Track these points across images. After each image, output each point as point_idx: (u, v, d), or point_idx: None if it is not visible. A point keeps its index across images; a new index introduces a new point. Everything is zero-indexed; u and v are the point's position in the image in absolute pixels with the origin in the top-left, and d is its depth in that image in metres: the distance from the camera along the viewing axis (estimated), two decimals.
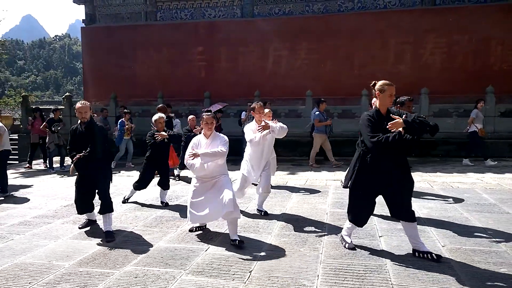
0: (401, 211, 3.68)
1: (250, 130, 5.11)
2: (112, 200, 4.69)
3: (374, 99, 6.26)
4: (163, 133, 5.82)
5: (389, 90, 3.58)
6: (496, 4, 11.96)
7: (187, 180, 7.95)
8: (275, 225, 4.88)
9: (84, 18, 14.95)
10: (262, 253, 3.91)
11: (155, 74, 13.68)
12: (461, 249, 3.90)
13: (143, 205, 6.07)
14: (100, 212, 4.60)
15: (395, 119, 3.40)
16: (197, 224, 4.61)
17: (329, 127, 9.66)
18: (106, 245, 4.25)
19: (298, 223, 4.95)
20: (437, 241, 4.14)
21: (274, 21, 13.08)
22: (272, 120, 5.36)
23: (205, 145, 4.35)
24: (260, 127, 4.96)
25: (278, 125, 5.09)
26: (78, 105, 4.67)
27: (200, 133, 5.95)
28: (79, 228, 4.81)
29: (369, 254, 3.81)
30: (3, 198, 6.75)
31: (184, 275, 3.42)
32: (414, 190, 6.34)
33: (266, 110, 6.85)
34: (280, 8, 13.29)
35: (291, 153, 11.20)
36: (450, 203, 5.75)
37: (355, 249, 3.89)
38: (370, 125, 3.55)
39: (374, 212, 4.06)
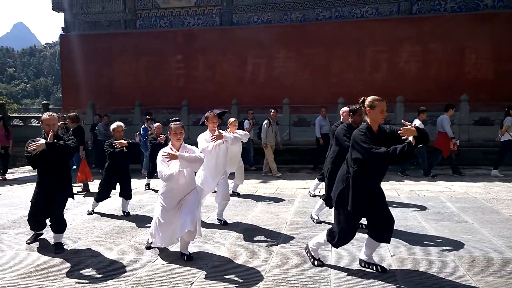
0: (384, 232, 3.50)
1: (204, 140, 5.07)
2: (65, 219, 4.48)
3: (343, 109, 6.26)
4: (122, 141, 5.75)
5: (380, 105, 3.38)
6: (470, 13, 12.16)
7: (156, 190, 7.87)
8: (231, 235, 4.83)
9: (63, 26, 14.85)
10: (209, 264, 3.86)
11: (133, 82, 13.58)
12: (409, 259, 3.89)
13: (103, 215, 5.97)
14: (52, 231, 4.41)
15: (406, 126, 3.18)
16: (151, 240, 4.34)
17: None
18: (53, 257, 4.16)
19: (255, 232, 4.91)
20: (387, 251, 4.13)
21: (253, 30, 13.13)
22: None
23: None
24: (213, 137, 4.94)
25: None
26: (45, 116, 4.40)
27: (164, 142, 5.86)
28: (27, 243, 4.66)
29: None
30: None
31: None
32: None
33: (232, 119, 6.89)
34: (259, 17, 13.35)
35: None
36: (412, 212, 5.76)
37: (324, 266, 3.72)
38: (367, 140, 3.28)
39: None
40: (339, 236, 3.51)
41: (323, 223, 5.22)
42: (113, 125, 5.96)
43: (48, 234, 4.76)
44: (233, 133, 6.31)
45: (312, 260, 3.81)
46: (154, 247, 4.36)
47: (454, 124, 11.47)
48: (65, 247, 4.43)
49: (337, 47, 12.51)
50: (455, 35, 11.99)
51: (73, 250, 4.42)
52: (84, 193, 7.74)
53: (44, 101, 15.08)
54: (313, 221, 5.28)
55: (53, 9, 14.89)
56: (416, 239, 4.48)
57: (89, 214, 6.02)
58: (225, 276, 3.54)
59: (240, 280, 3.45)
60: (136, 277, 3.59)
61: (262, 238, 4.69)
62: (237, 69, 13.09)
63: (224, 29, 13.37)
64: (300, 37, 12.67)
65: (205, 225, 5.29)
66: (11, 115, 14.99)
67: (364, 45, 12.46)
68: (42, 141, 4.17)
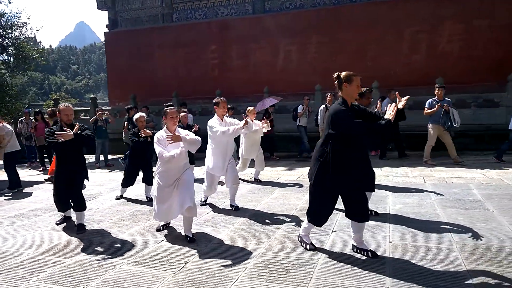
0: (357, 212, 3.53)
1: (217, 123, 5.24)
2: (84, 198, 4.94)
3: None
4: (147, 130, 6.09)
5: (356, 80, 3.43)
6: None
7: None
8: (239, 220, 4.98)
9: (107, 23, 15.75)
10: (208, 246, 4.05)
11: (171, 74, 14.13)
12: (407, 245, 3.79)
13: (129, 200, 6.40)
14: (74, 210, 4.91)
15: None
16: (163, 223, 4.71)
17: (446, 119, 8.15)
18: (74, 237, 4.59)
19: (262, 218, 5.02)
20: (387, 237, 4.05)
21: (285, 16, 13.04)
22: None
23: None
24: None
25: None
26: (62, 107, 4.83)
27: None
28: (56, 224, 5.18)
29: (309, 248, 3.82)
30: (11, 194, 7.40)
31: (124, 265, 3.64)
32: (401, 185, 6.18)
33: (250, 108, 7.01)
34: (291, 2, 13.21)
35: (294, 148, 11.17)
36: (430, 199, 5.53)
37: (316, 250, 3.74)
38: (350, 115, 3.34)
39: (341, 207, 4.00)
40: (315, 212, 3.64)
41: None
42: (136, 116, 6.33)
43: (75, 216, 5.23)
44: (252, 121, 6.50)
45: (304, 245, 3.85)
46: (165, 229, 4.66)
47: (501, 106, 10.68)
48: (86, 228, 4.86)
49: (372, 29, 12.07)
50: (501, 11, 11.04)
51: (93, 230, 4.83)
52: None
53: (92, 95, 16.18)
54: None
55: (97, 8, 15.82)
56: (423, 226, 4.33)
57: (117, 199, 6.49)
58: (218, 258, 3.71)
59: (230, 262, 3.59)
60: (139, 255, 3.87)
61: (267, 223, 4.79)
62: (269, 57, 13.13)
63: (257, 17, 13.41)
64: (334, 21, 12.40)
65: (217, 210, 5.51)
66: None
67: (402, 26, 11.90)
68: (71, 132, 4.57)
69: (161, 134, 4.31)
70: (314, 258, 3.58)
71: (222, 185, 6.30)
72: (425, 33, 11.80)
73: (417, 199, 5.53)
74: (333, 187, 3.49)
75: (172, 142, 4.14)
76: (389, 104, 3.51)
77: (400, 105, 3.58)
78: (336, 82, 3.51)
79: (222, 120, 5.34)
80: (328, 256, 3.63)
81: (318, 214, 3.65)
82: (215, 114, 5.39)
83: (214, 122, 5.30)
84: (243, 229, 4.58)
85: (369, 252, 3.56)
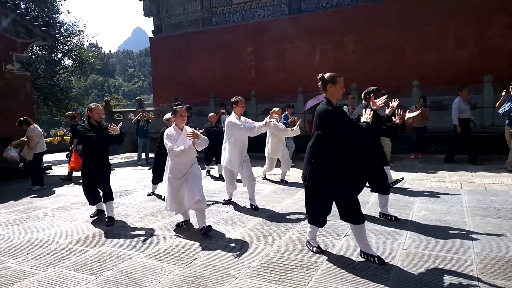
0: (348, 213, 3.54)
1: (236, 119, 5.53)
2: (111, 190, 5.36)
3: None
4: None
5: (340, 81, 3.52)
6: None
7: (217, 177, 8.50)
8: (255, 220, 5.08)
9: (152, 29, 16.53)
10: (219, 244, 4.20)
11: (210, 75, 14.52)
12: (420, 254, 3.67)
13: (158, 196, 6.73)
14: (103, 201, 5.32)
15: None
16: (182, 219, 4.98)
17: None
18: (102, 229, 4.97)
19: (278, 218, 5.08)
20: (401, 244, 3.94)
21: (321, 15, 12.90)
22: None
23: (181, 137, 4.58)
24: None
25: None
26: (93, 106, 5.33)
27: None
28: (90, 216, 5.62)
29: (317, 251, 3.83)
30: (37, 189, 7.98)
31: (139, 257, 3.90)
32: (434, 190, 6.06)
33: (276, 109, 7.07)
34: (328, 1, 13.05)
35: None
36: (461, 206, 5.26)
37: (322, 253, 3.75)
38: (337, 115, 3.39)
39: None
40: (312, 213, 3.70)
41: None
42: (166, 116, 6.63)
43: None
44: (277, 122, 6.62)
45: (311, 248, 3.86)
46: (184, 225, 4.90)
47: None
48: (115, 220, 5.23)
49: (413, 24, 11.60)
50: None
51: (121, 224, 5.17)
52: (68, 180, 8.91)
53: (138, 97, 17.07)
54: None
55: (144, 15, 16.64)
56: (443, 234, 4.15)
57: (149, 195, 6.87)
58: (226, 255, 3.84)
59: (236, 260, 3.71)
60: (155, 249, 4.12)
61: (282, 224, 4.85)
62: (304, 57, 13.08)
63: (292, 18, 13.41)
64: (371, 18, 12.08)
65: (239, 209, 5.67)
66: (114, 110, 17.33)
67: (446, 20, 11.29)
68: (117, 128, 5.10)
69: (170, 130, 4.67)
70: (318, 261, 3.60)
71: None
72: (472, 26, 11.11)
73: (447, 206, 5.29)
74: (326, 187, 3.52)
75: (191, 138, 4.42)
76: (364, 110, 3.65)
77: (387, 111, 3.62)
78: (320, 83, 3.58)
79: (239, 119, 5.51)
80: (334, 260, 3.63)
81: (315, 215, 3.71)
82: (233, 112, 5.57)
83: (234, 119, 5.51)
84: (257, 229, 4.68)
85: (376, 258, 3.49)
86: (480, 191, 6.13)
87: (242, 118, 5.73)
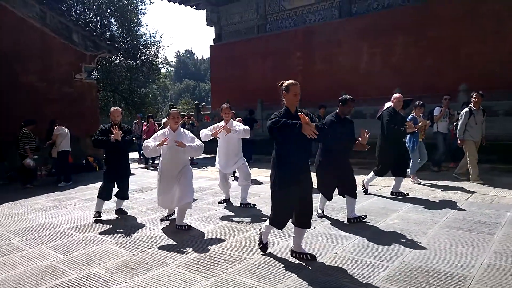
0: (303, 217, 3.62)
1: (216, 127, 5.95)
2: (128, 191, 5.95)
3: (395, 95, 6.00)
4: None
5: (293, 89, 3.58)
6: None
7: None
8: (232, 218, 5.37)
9: (214, 37, 17.57)
10: (182, 238, 4.58)
11: (260, 81, 14.91)
12: (346, 258, 3.67)
13: None
14: (120, 198, 5.87)
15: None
16: (167, 213, 5.46)
17: None
18: (103, 219, 5.66)
19: (255, 218, 5.30)
20: (339, 249, 3.93)
21: (370, 18, 12.47)
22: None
23: (174, 138, 4.81)
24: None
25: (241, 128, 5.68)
26: (112, 109, 5.77)
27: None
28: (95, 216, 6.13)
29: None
30: (63, 185, 8.84)
31: (109, 244, 4.46)
32: (434, 200, 6.03)
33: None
34: (379, 3, 12.55)
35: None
36: (443, 218, 4.90)
37: (266, 251, 3.88)
38: (276, 118, 3.47)
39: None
40: (273, 215, 3.72)
41: (325, 218, 5.12)
42: (164, 120, 7.22)
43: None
44: None
45: (259, 242, 3.98)
46: (167, 220, 5.39)
47: None
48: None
49: (467, 24, 10.60)
50: None
51: (123, 216, 5.84)
52: None
53: (196, 102, 18.28)
54: (316, 215, 5.20)
55: (207, 25, 17.79)
56: (390, 243, 4.04)
57: None
58: (175, 248, 4.23)
59: (181, 251, 4.08)
60: (125, 238, 4.66)
61: (253, 223, 5.05)
62: (352, 61, 12.77)
63: (340, 22, 13.23)
64: (422, 18, 11.37)
65: (231, 208, 5.99)
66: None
67: (506, 17, 10.10)
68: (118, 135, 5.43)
69: (163, 131, 5.07)
70: (247, 257, 3.80)
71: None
72: None
73: (427, 216, 5.02)
74: (285, 192, 3.54)
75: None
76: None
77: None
78: (280, 91, 3.67)
79: (227, 124, 5.83)
80: (262, 257, 3.77)
81: (275, 218, 3.69)
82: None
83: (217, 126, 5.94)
84: (226, 226, 4.97)
85: (308, 255, 3.62)
86: (484, 204, 5.60)
87: (235, 122, 6.04)
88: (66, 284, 3.36)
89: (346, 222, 4.87)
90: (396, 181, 6.30)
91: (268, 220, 3.82)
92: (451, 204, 5.58)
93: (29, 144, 8.61)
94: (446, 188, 6.82)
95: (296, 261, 3.64)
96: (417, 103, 7.41)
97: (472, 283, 2.97)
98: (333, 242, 4.14)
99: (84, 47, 11.72)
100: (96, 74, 21.70)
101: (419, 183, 7.30)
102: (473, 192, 6.39)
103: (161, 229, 5.02)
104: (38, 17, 10.72)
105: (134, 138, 5.89)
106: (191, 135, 5.14)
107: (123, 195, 5.87)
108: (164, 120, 7.40)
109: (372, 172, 6.49)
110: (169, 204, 5.21)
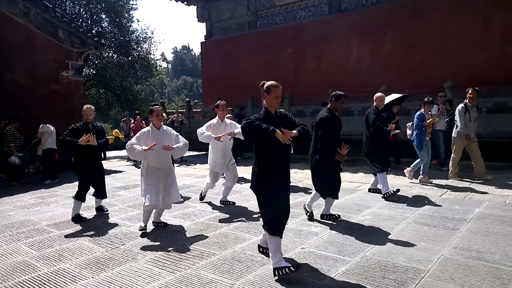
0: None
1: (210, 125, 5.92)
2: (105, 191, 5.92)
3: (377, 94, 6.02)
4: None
5: (275, 91, 3.45)
6: None
7: None
8: (210, 215, 5.46)
9: (205, 34, 17.56)
10: (156, 234, 4.66)
11: (251, 78, 14.84)
12: (311, 253, 3.76)
13: None
14: (99, 197, 5.88)
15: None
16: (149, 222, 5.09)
17: None
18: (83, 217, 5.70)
19: (231, 215, 5.38)
20: (306, 244, 4.01)
21: (359, 14, 12.50)
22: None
23: (159, 137, 4.69)
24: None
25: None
26: (85, 107, 5.64)
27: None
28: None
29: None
30: (49, 183, 8.81)
31: (83, 241, 4.53)
32: (406, 196, 6.06)
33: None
34: None
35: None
36: (412, 214, 5.00)
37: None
38: (251, 120, 3.36)
39: None
40: (268, 220, 3.39)
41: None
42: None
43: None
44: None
45: (286, 270, 3.16)
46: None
47: None
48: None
49: (455, 20, 10.65)
50: None
51: (101, 213, 5.90)
52: None
53: (187, 99, 18.31)
54: (306, 213, 5.09)
55: (198, 21, 17.75)
56: (356, 238, 4.15)
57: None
58: (145, 243, 4.34)
59: (151, 247, 4.17)
60: (100, 235, 4.74)
61: (227, 220, 5.14)
62: (341, 58, 12.81)
63: (329, 18, 13.26)
64: (411, 15, 11.41)
65: (213, 206, 6.07)
66: (167, 110, 18.81)
67: (494, 13, 10.16)
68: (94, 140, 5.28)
69: (145, 130, 4.84)
70: (215, 253, 3.89)
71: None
72: None
73: (397, 213, 5.13)
74: (271, 192, 3.39)
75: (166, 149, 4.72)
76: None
77: None
78: (262, 91, 3.55)
79: (222, 122, 5.86)
80: (231, 253, 3.86)
81: (272, 223, 3.40)
82: (217, 116, 5.98)
83: (213, 121, 5.94)
84: (201, 223, 5.07)
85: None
86: (455, 200, 5.72)
87: (228, 121, 6.03)
88: (34, 280, 3.44)
89: (319, 218, 4.94)
90: (376, 178, 6.25)
91: (266, 231, 3.45)
92: (425, 201, 5.68)
93: (14, 142, 8.64)
94: (422, 185, 6.94)
95: (262, 256, 3.72)
96: (426, 99, 7.04)
97: (425, 276, 3.06)
98: (301, 238, 4.22)
99: (70, 44, 11.70)
100: (86, 71, 21.74)
101: (431, 183, 6.98)
102: (448, 188, 6.49)
103: (138, 226, 5.09)
104: (21, 13, 10.69)
105: (122, 136, 5.80)
106: (175, 132, 5.06)
107: (101, 195, 5.84)
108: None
109: (375, 176, 6.28)
110: (159, 199, 4.79)
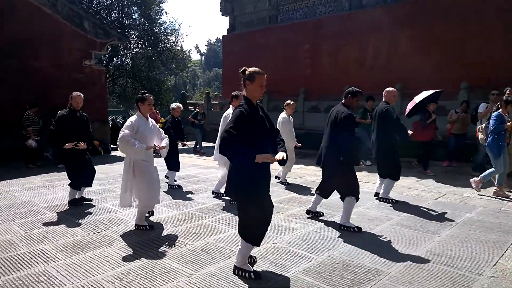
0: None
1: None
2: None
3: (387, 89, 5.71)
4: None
5: (260, 79, 3.07)
6: None
7: None
8: (198, 206, 5.54)
9: (227, 27, 17.62)
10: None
11: (270, 72, 14.58)
12: (280, 248, 3.73)
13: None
14: (86, 185, 5.84)
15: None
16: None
17: None
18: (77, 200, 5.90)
19: (219, 207, 5.41)
20: (278, 239, 3.96)
21: (378, 10, 12.13)
22: None
23: (149, 128, 4.49)
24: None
25: None
26: (74, 94, 5.44)
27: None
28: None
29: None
30: (62, 167, 8.47)
31: (71, 224, 4.71)
32: (400, 199, 5.84)
33: (289, 102, 7.05)
34: None
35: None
36: (398, 216, 4.81)
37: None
38: (238, 120, 2.94)
39: None
40: (252, 235, 3.10)
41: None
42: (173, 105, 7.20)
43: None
44: (290, 115, 6.99)
45: (247, 275, 3.09)
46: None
47: None
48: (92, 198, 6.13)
49: (475, 17, 10.09)
50: None
51: (96, 199, 6.09)
52: None
53: (207, 91, 18.45)
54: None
55: (222, 14, 17.84)
56: (331, 237, 4.10)
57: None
58: (124, 230, 4.46)
59: (126, 234, 4.27)
60: (87, 220, 4.90)
61: (215, 212, 5.17)
62: (358, 54, 12.51)
63: (349, 14, 12.94)
64: (430, 11, 10.92)
65: (209, 197, 6.12)
66: (187, 101, 19.06)
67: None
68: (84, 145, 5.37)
69: (134, 119, 4.41)
70: (188, 243, 3.91)
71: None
72: None
73: (384, 213, 5.01)
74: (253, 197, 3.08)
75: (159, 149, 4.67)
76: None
77: None
78: (242, 78, 3.16)
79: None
80: (205, 244, 3.90)
81: (254, 232, 3.14)
82: (230, 106, 5.90)
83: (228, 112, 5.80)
84: (187, 213, 5.15)
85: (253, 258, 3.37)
86: (450, 204, 5.49)
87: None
88: (10, 259, 3.60)
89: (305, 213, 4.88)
90: (382, 181, 5.72)
91: (245, 239, 3.13)
92: (417, 203, 5.50)
93: (32, 126, 9.06)
94: (495, 197, 6.05)
95: (230, 248, 3.72)
96: (505, 97, 6.07)
97: (384, 278, 2.97)
98: (277, 233, 4.19)
99: (94, 35, 12.08)
100: (116, 61, 22.39)
101: (508, 197, 5.93)
102: (447, 191, 6.22)
103: (127, 212, 5.22)
104: (49, 4, 11.13)
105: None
106: (157, 125, 4.91)
107: (87, 182, 5.73)
108: (174, 105, 7.26)
109: (385, 180, 5.67)
110: (156, 200, 4.62)
